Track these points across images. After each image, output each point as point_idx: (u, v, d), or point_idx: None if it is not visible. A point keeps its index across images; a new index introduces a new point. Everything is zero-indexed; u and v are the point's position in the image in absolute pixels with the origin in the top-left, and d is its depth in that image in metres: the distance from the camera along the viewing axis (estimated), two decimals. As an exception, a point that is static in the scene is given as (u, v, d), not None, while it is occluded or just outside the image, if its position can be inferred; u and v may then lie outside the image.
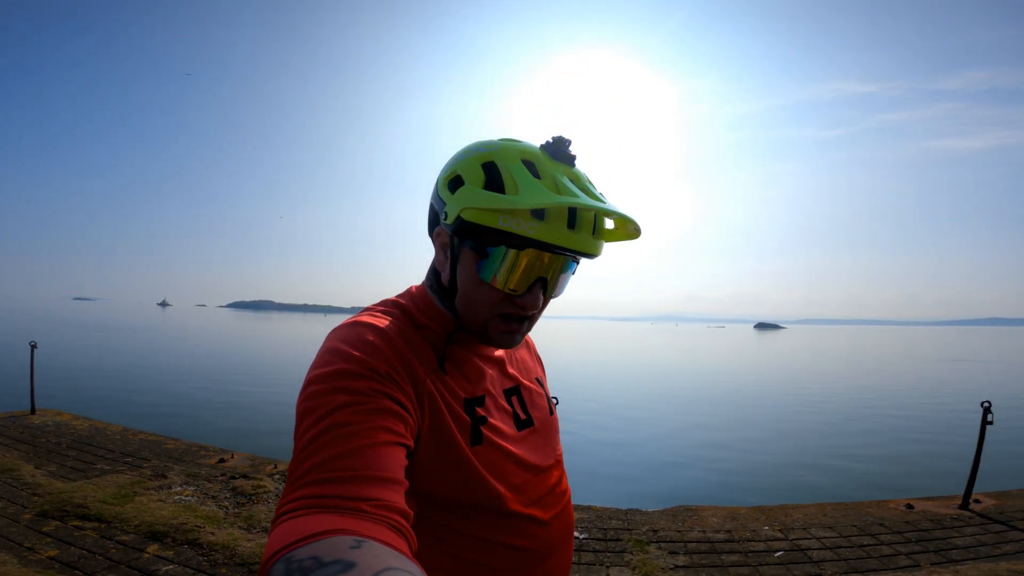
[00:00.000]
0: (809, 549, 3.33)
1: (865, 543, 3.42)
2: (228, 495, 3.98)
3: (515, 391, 0.88)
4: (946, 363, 34.16)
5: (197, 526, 3.30)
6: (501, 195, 0.68)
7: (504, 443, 0.79)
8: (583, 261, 0.79)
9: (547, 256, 0.72)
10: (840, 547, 3.36)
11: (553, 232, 0.68)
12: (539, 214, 0.68)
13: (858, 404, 15.51)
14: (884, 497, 4.45)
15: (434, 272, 0.82)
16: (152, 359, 23.32)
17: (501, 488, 0.76)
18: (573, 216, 0.70)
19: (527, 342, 1.00)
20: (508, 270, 0.71)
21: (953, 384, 21.52)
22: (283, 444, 9.28)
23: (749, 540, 3.48)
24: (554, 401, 0.99)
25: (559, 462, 0.90)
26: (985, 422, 4.29)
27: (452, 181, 0.74)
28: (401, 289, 0.88)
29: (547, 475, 0.84)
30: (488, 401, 0.81)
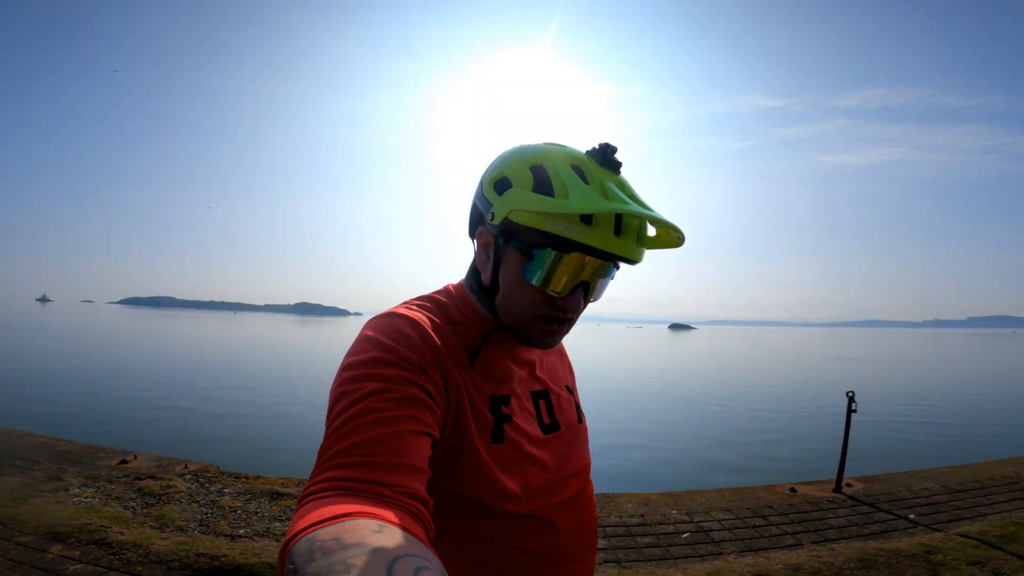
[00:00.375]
0: (711, 530, 3.69)
1: (757, 524, 3.82)
2: (134, 496, 3.74)
3: (543, 395, 0.87)
4: (829, 361, 37.98)
5: (103, 526, 3.10)
6: (552, 199, 0.69)
7: (525, 444, 0.79)
8: (623, 267, 0.80)
9: (591, 260, 0.72)
10: (736, 528, 3.74)
11: (600, 237, 0.70)
12: (587, 219, 0.69)
13: (753, 398, 16.97)
14: (773, 482, 4.96)
15: (474, 272, 0.83)
16: (33, 359, 20.87)
17: (514, 488, 0.75)
18: (619, 222, 0.71)
19: (560, 349, 1.00)
20: (553, 273, 0.72)
21: (832, 379, 24.05)
22: (192, 445, 8.71)
23: (660, 523, 3.79)
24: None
25: (584, 471, 0.89)
26: (850, 411, 4.72)
27: (499, 183, 0.75)
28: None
29: (569, 481, 0.83)
30: (514, 401, 0.80)
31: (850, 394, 4.70)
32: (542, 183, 0.71)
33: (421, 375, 0.67)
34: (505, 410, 0.78)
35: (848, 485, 4.72)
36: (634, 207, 0.68)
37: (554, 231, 0.69)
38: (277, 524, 3.52)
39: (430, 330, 0.73)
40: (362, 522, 0.46)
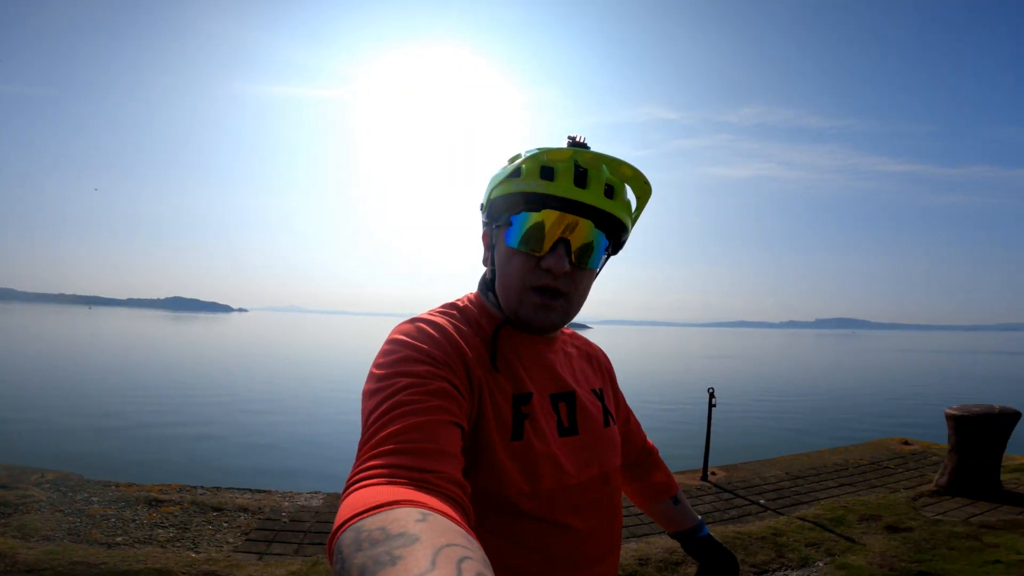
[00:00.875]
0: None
1: (637, 511, 4.20)
2: (-17, 509, 3.35)
3: (564, 397, 0.86)
4: (699, 359, 41.43)
5: (-47, 541, 2.77)
6: (521, 166, 0.79)
7: (543, 444, 0.79)
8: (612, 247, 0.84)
9: (567, 218, 0.76)
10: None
11: (562, 187, 0.75)
12: (548, 175, 0.76)
13: (638, 393, 18.17)
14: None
15: (484, 274, 0.89)
16: None
17: (528, 486, 0.76)
18: (582, 176, 0.76)
19: (595, 354, 1.02)
20: (530, 231, 0.76)
21: (700, 375, 26.63)
22: (43, 455, 7.73)
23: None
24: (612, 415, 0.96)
25: (608, 475, 0.87)
26: (711, 405, 5.11)
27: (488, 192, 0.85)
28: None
29: (589, 485, 0.83)
30: (535, 401, 0.81)
31: (711, 390, 5.18)
32: (516, 167, 0.79)
33: (447, 370, 0.71)
34: (525, 409, 0.79)
35: (713, 473, 5.10)
36: (582, 151, 0.77)
37: (517, 189, 0.77)
38: (160, 531, 3.35)
39: (453, 332, 0.78)
40: (406, 510, 0.46)
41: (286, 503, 4.00)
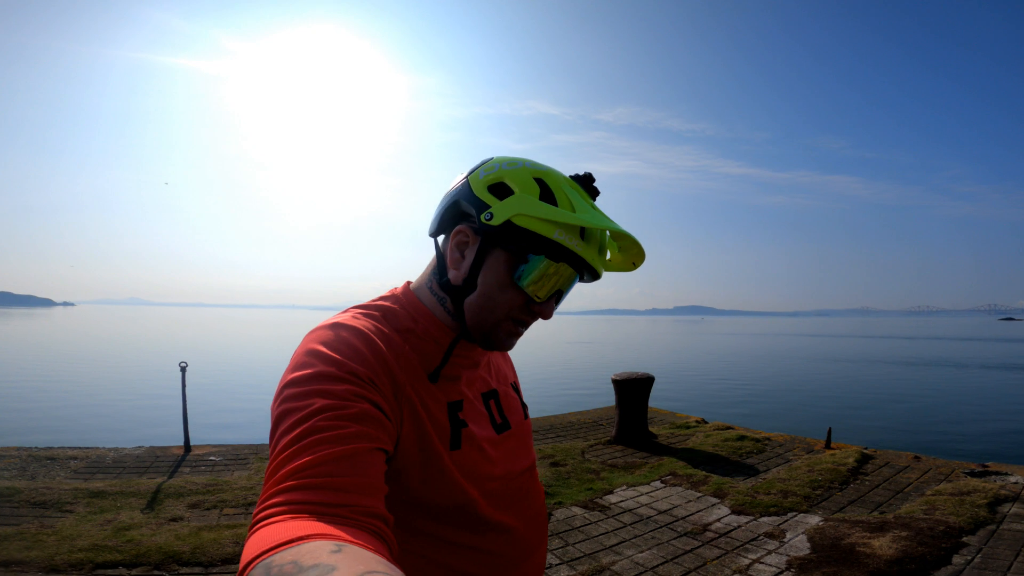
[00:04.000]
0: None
1: None
2: None
3: (493, 395, 0.86)
4: (565, 344, 44.26)
5: None
6: (562, 210, 0.71)
7: (483, 447, 0.78)
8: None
9: (571, 272, 0.75)
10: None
11: (590, 252, 0.73)
12: (583, 235, 0.73)
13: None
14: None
15: (438, 271, 0.79)
16: None
17: (476, 493, 0.75)
18: (601, 242, 0.77)
19: None
20: (541, 278, 0.73)
21: (583, 359, 29.29)
22: None
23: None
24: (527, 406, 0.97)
25: (532, 467, 0.89)
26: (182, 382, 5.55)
27: (496, 187, 0.74)
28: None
29: (522, 478, 0.85)
30: (467, 405, 0.79)
31: (183, 364, 6.91)
32: (547, 195, 0.73)
33: (371, 389, 0.65)
34: (460, 415, 0.77)
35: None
36: (630, 233, 0.75)
37: (558, 240, 0.71)
38: (4, 472, 4.51)
39: (378, 340, 0.71)
40: (320, 543, 0.44)
41: (111, 453, 5.33)
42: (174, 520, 3.51)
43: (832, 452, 5.60)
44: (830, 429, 6.05)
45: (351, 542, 0.46)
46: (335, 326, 0.72)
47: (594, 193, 0.79)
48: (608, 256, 0.83)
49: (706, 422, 7.37)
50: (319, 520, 0.49)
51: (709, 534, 3.63)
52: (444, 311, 0.79)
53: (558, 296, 0.78)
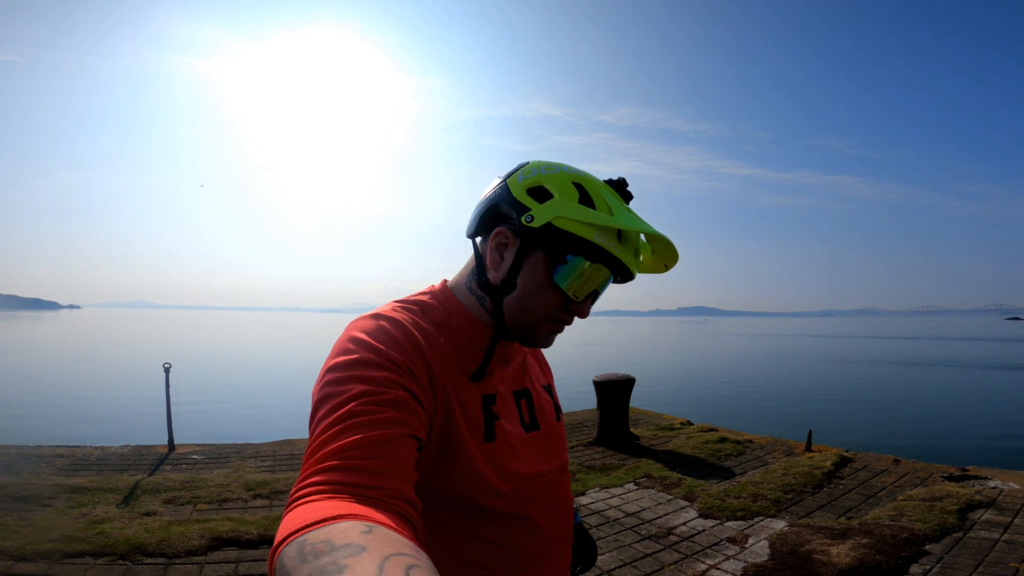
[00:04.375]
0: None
1: None
2: None
3: (524, 394, 0.88)
4: (569, 345, 43.80)
5: None
6: (602, 214, 0.74)
7: (513, 443, 0.80)
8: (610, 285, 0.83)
9: (606, 274, 0.78)
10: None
11: (626, 254, 0.76)
12: (620, 237, 0.76)
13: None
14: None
15: (477, 271, 0.82)
16: None
17: (502, 487, 0.77)
18: (637, 244, 0.80)
19: (539, 352, 1.02)
20: (580, 279, 0.76)
21: (573, 361, 28.95)
22: None
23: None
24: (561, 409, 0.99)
25: (562, 468, 0.90)
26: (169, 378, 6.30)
27: (536, 190, 0.77)
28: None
29: (548, 480, 0.85)
30: (499, 400, 0.82)
31: (166, 366, 6.96)
32: (586, 198, 0.76)
33: (408, 377, 0.68)
34: (494, 409, 0.80)
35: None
36: (664, 236, 0.78)
37: (598, 242, 0.74)
38: (-12, 471, 4.65)
39: (416, 332, 0.74)
40: (352, 523, 0.46)
41: (97, 451, 5.44)
42: (147, 515, 3.60)
43: (811, 455, 5.57)
44: (810, 432, 6.03)
45: (381, 523, 0.47)
46: (376, 316, 0.75)
47: (628, 197, 0.82)
48: (641, 258, 0.85)
49: (692, 424, 7.36)
50: (353, 501, 0.51)
51: (672, 538, 3.64)
52: (483, 310, 0.82)
53: (594, 296, 0.81)
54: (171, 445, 5.59)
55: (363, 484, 0.54)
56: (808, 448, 5.86)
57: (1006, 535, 3.53)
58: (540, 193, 0.77)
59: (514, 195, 0.77)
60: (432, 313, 0.80)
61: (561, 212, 0.74)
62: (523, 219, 0.75)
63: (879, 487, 4.66)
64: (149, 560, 2.94)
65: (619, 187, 0.81)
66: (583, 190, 0.76)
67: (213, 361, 26.78)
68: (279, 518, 3.59)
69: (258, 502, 4.00)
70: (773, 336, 69.48)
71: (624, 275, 0.80)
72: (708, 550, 3.45)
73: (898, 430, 11.44)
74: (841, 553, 3.26)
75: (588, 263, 0.75)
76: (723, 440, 6.14)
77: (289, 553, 0.43)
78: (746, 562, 3.26)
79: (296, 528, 0.46)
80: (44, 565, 2.85)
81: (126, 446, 5.71)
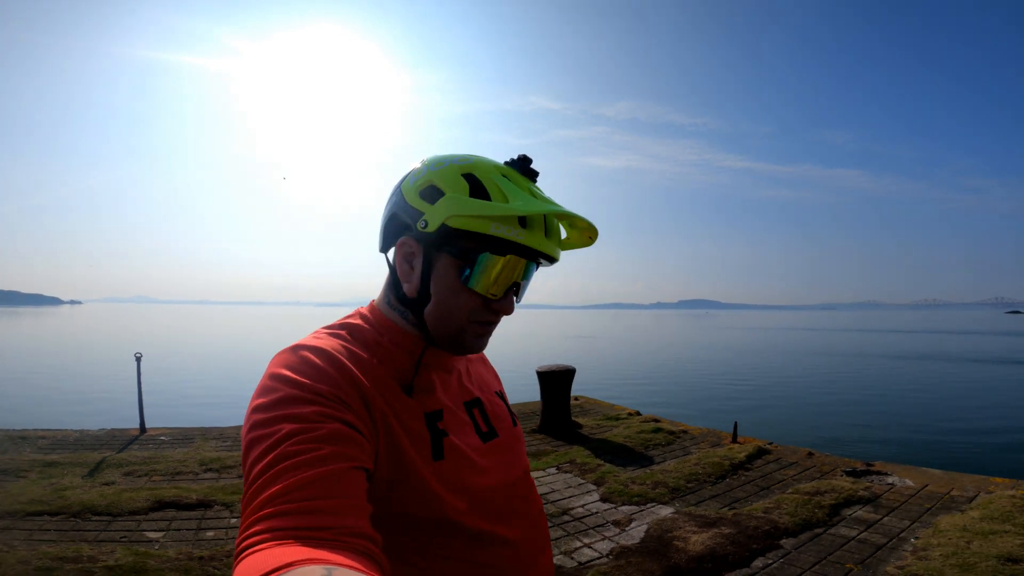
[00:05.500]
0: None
1: None
2: None
3: (476, 404, 0.85)
4: (563, 339, 44.18)
5: None
6: (493, 203, 0.69)
7: (469, 455, 0.76)
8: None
9: (521, 262, 0.73)
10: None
11: (535, 239, 0.70)
12: (523, 222, 0.70)
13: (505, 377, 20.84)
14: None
15: (393, 286, 0.78)
16: None
17: (463, 504, 0.73)
18: (547, 224, 0.73)
19: (482, 357, 0.98)
20: (491, 275, 0.72)
21: (568, 352, 29.50)
22: None
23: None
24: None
25: (526, 474, 0.87)
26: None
27: (426, 191, 0.72)
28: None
29: (516, 486, 0.82)
30: (447, 415, 0.78)
31: (137, 354, 7.21)
32: (478, 189, 0.71)
33: (340, 407, 0.64)
34: (440, 425, 0.76)
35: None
36: (569, 211, 0.72)
37: (496, 234, 0.68)
38: (-26, 449, 5.17)
39: (344, 358, 0.70)
40: (309, 568, 0.42)
41: (76, 434, 5.97)
42: (106, 484, 4.14)
43: (732, 447, 5.75)
44: (736, 423, 6.22)
45: (341, 564, 0.45)
46: (296, 348, 0.70)
47: (533, 175, 0.77)
48: (564, 235, 0.82)
49: (640, 414, 7.61)
50: (304, 545, 0.47)
51: (565, 518, 3.89)
52: (408, 324, 0.78)
53: (516, 289, 0.77)
54: (142, 428, 6.13)
55: (311, 526, 0.50)
56: (734, 439, 6.06)
57: (864, 533, 3.61)
58: (431, 193, 0.72)
59: (408, 200, 0.74)
60: (361, 334, 0.77)
61: (453, 210, 0.70)
62: (418, 225, 0.72)
63: (778, 480, 4.79)
64: (96, 518, 3.47)
65: (520, 166, 0.76)
66: (474, 180, 0.72)
67: (209, 354, 27.78)
68: (224, 488, 4.11)
69: (208, 475, 4.53)
70: (773, 330, 68.54)
71: (544, 259, 0.76)
72: (591, 530, 3.68)
73: (869, 422, 11.55)
74: (699, 541, 3.40)
75: (496, 257, 0.71)
76: (657, 430, 6.40)
77: None
78: (617, 543, 3.47)
79: None
80: (9, 521, 3.39)
81: (103, 429, 6.24)
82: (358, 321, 0.79)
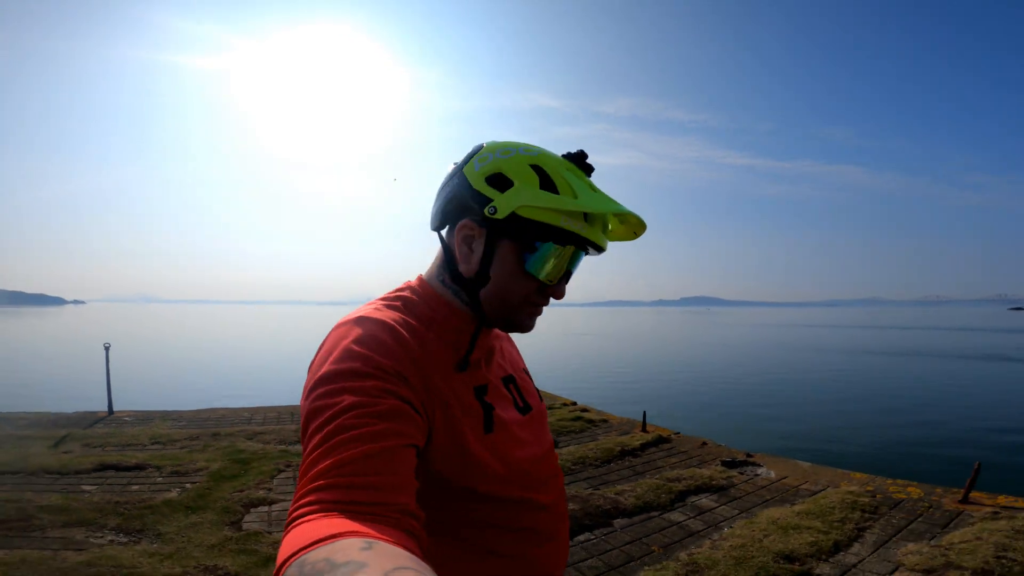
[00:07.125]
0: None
1: None
2: None
3: (511, 380, 0.89)
4: (567, 336, 44.39)
5: None
6: (565, 198, 0.72)
7: (512, 428, 0.81)
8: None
9: (576, 252, 0.77)
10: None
11: (594, 233, 0.75)
12: (586, 217, 0.74)
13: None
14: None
15: (447, 265, 0.81)
16: None
17: (511, 474, 0.77)
18: (605, 220, 0.79)
19: (508, 336, 1.01)
20: (551, 263, 0.76)
21: (577, 351, 30.29)
22: None
23: (226, 410, 7.28)
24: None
25: (552, 448, 0.92)
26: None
27: (494, 178, 0.74)
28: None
29: (546, 459, 0.87)
30: (491, 389, 0.82)
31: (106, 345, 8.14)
32: (547, 182, 0.74)
33: (399, 383, 0.66)
34: (487, 399, 0.80)
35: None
36: (630, 210, 0.76)
37: (566, 227, 0.72)
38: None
39: (404, 331, 0.72)
40: (351, 540, 0.45)
41: (52, 415, 6.72)
42: (65, 452, 4.89)
43: (633, 435, 5.83)
44: (644, 412, 6.37)
45: (381, 539, 0.47)
46: (359, 320, 0.73)
47: (589, 170, 0.80)
48: (610, 228, 0.84)
49: (576, 404, 7.89)
50: (350, 518, 0.50)
51: None
52: (460, 302, 0.81)
53: (567, 276, 0.81)
54: (110, 410, 6.88)
55: (359, 500, 0.53)
56: (643, 428, 6.18)
57: (692, 520, 3.68)
58: (499, 180, 0.75)
59: (473, 185, 0.75)
60: (416, 309, 0.79)
61: (525, 200, 0.72)
62: (486, 211, 0.74)
63: (657, 466, 4.85)
64: (47, 476, 4.22)
65: (579, 160, 0.79)
66: (543, 173, 0.75)
67: (205, 351, 28.94)
68: (163, 455, 4.85)
69: (154, 447, 5.28)
70: (774, 327, 68.74)
71: (596, 250, 0.80)
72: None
73: (837, 423, 11.28)
74: (538, 519, 3.74)
75: (558, 247, 0.75)
76: (578, 419, 6.60)
77: (291, 574, 0.44)
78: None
79: (296, 549, 0.46)
80: (-27, 478, 4.16)
81: (76, 412, 6.99)
82: (410, 295, 0.82)
